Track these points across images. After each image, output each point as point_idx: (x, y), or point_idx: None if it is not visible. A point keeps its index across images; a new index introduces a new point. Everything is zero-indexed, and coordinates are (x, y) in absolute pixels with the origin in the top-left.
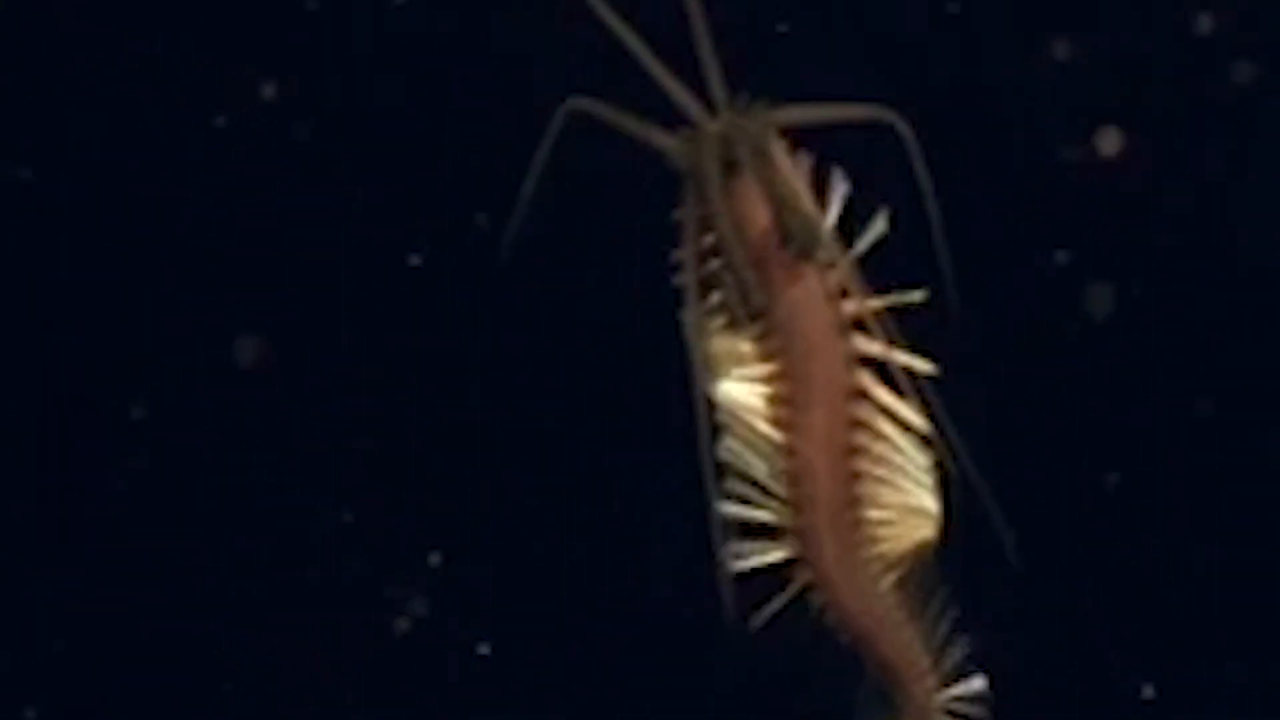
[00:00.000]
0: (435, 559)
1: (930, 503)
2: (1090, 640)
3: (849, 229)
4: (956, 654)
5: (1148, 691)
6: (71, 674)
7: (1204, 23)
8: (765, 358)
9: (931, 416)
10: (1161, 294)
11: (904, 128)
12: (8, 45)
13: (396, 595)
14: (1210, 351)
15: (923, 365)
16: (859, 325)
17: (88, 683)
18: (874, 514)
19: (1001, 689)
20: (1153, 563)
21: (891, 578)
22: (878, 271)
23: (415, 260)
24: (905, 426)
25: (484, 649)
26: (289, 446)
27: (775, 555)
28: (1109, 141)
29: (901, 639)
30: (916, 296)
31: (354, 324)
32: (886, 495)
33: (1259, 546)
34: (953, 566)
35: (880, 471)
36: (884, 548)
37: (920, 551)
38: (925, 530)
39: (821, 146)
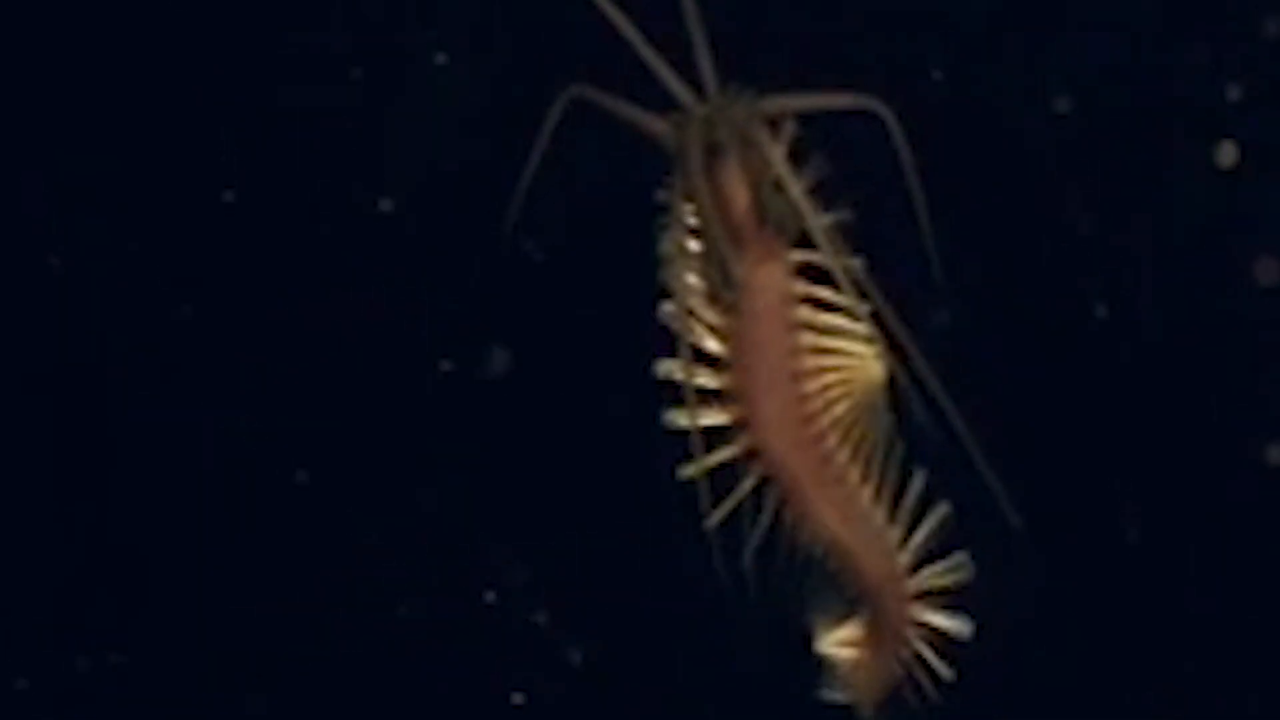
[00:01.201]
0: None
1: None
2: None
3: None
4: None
5: None
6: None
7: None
8: (722, 337)
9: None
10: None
11: (890, 116)
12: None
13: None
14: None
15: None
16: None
17: None
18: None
19: None
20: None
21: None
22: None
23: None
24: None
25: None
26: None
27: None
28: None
29: (879, 545)
30: (846, 213)
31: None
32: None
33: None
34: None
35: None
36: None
37: (871, 391)
38: (873, 370)
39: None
